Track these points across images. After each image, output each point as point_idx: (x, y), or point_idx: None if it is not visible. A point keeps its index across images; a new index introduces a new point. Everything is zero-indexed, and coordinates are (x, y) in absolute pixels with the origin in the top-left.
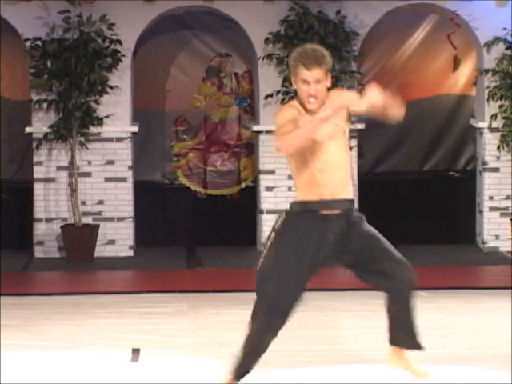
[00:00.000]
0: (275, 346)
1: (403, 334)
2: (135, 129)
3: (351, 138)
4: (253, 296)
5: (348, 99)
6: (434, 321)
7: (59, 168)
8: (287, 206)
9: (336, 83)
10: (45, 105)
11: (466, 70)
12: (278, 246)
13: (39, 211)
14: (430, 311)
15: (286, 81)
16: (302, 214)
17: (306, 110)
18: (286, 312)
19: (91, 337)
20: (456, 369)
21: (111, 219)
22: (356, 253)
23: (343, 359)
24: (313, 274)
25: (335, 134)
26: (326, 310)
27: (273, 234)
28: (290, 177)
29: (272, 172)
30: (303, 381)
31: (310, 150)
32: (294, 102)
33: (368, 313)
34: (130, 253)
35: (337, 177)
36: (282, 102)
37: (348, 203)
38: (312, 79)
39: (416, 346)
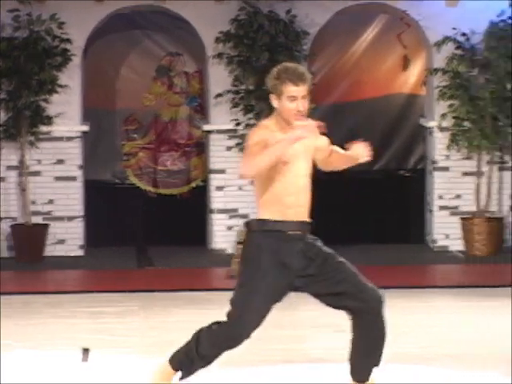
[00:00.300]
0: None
1: (366, 365)
2: (85, 128)
3: None
4: (204, 295)
5: (320, 141)
6: (387, 319)
7: (9, 167)
8: (237, 205)
9: None
10: None
11: (416, 70)
12: (246, 270)
13: None
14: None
15: (237, 80)
16: (267, 233)
17: (279, 128)
18: (247, 335)
19: (42, 337)
20: (409, 368)
21: (61, 219)
22: (319, 276)
23: (291, 359)
24: (281, 297)
25: (305, 155)
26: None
27: (241, 257)
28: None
29: (222, 171)
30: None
31: (279, 171)
32: (267, 122)
33: (322, 312)
34: (81, 252)
35: (301, 199)
36: (233, 101)
37: (308, 226)
38: (300, 94)
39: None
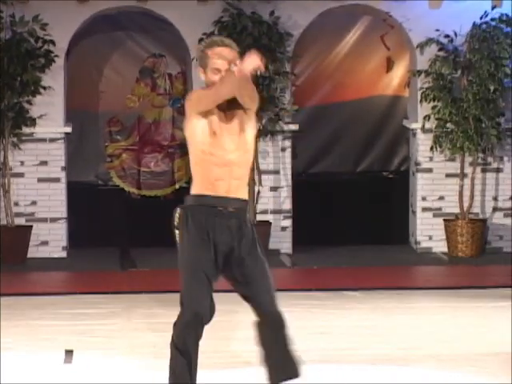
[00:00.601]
0: (209, 347)
1: (279, 367)
2: (68, 129)
3: (285, 138)
4: None
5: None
6: (369, 321)
7: None
8: None
9: (270, 84)
10: None
11: (399, 71)
12: (182, 246)
13: None
14: (365, 311)
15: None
16: (198, 208)
17: None
18: (199, 314)
19: (25, 338)
20: (392, 369)
21: (44, 220)
22: (237, 262)
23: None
24: (216, 275)
25: (236, 127)
26: None
27: (176, 232)
28: None
29: None
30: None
31: (209, 143)
32: None
33: (303, 314)
34: (64, 254)
35: (233, 174)
36: None
37: (242, 203)
38: (224, 68)
39: (294, 374)
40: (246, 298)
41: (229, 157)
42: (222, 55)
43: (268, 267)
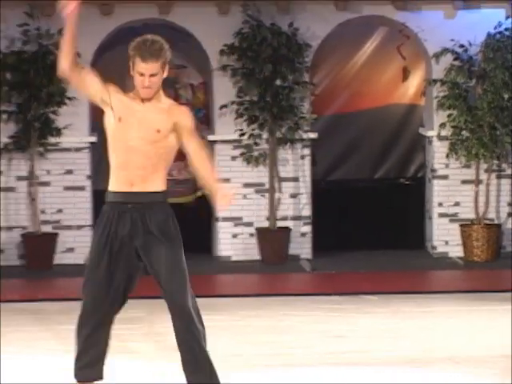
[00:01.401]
0: (229, 350)
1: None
2: (93, 139)
3: (304, 146)
4: (209, 301)
5: (183, 125)
6: (387, 324)
7: (19, 178)
8: (241, 214)
9: (289, 93)
10: (4, 116)
11: (415, 81)
12: (92, 238)
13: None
14: (382, 315)
15: (241, 91)
16: (108, 204)
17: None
18: (93, 315)
19: (52, 343)
20: (409, 370)
21: (70, 227)
22: (142, 252)
23: (297, 362)
24: (119, 270)
25: (147, 120)
26: (281, 314)
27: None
28: (245, 185)
29: (227, 180)
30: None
31: (117, 139)
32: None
33: (323, 317)
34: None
35: (139, 169)
36: (237, 111)
37: (148, 196)
38: (148, 72)
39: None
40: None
41: (133, 152)
42: (144, 72)
43: (180, 261)
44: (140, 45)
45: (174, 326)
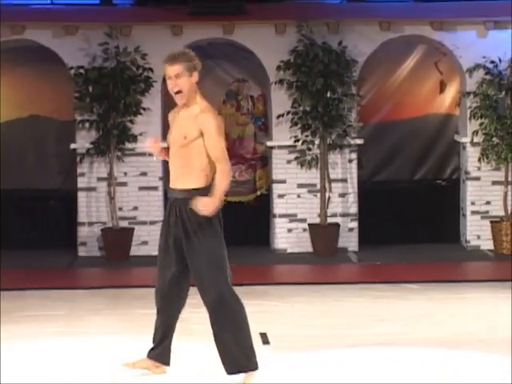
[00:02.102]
0: (284, 332)
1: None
2: (165, 145)
3: (352, 151)
4: (266, 289)
5: (205, 132)
6: (426, 310)
7: (99, 179)
8: (296, 211)
9: (338, 104)
10: (87, 124)
11: (450, 93)
12: None
13: (82, 216)
14: (421, 301)
15: (296, 102)
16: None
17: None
18: (163, 296)
19: (128, 325)
20: (445, 351)
21: (144, 223)
22: (183, 241)
23: (345, 343)
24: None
25: (177, 132)
26: (331, 300)
27: None
28: (299, 185)
29: (283, 181)
30: (315, 362)
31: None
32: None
33: (368, 303)
34: None
35: (178, 168)
36: (292, 120)
37: (186, 192)
38: (172, 73)
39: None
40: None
41: (174, 157)
42: (170, 73)
43: (218, 255)
44: (167, 54)
45: (208, 310)
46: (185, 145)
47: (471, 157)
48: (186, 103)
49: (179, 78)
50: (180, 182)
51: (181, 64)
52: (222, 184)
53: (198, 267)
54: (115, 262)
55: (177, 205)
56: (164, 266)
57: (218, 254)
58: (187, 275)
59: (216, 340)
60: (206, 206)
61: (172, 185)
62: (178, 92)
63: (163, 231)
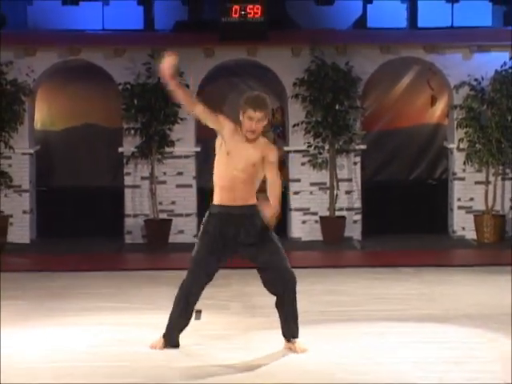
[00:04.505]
0: (299, 308)
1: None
2: (198, 149)
3: (356, 155)
4: None
5: (268, 160)
6: (418, 290)
7: (143, 177)
8: (309, 205)
9: (345, 115)
10: (132, 131)
11: (440, 106)
12: (198, 240)
13: (128, 209)
14: (415, 283)
15: (309, 114)
16: (214, 214)
17: (234, 130)
18: (194, 293)
19: (166, 300)
20: (434, 325)
21: (181, 215)
22: (248, 247)
23: (349, 317)
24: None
25: (246, 154)
26: (338, 281)
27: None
28: (311, 184)
29: (298, 180)
30: (324, 333)
31: (221, 161)
32: (232, 123)
33: (369, 284)
34: (195, 240)
35: (237, 188)
36: (306, 129)
37: (243, 209)
38: (255, 119)
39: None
40: (261, 269)
41: (234, 174)
42: (253, 117)
43: (277, 245)
44: (252, 99)
45: (283, 288)
46: (253, 172)
47: (457, 160)
48: (251, 140)
49: (258, 123)
50: (240, 201)
51: (264, 112)
52: (278, 193)
53: (276, 264)
54: (156, 248)
55: (238, 218)
56: (208, 268)
57: (279, 249)
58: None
59: (283, 312)
60: (272, 212)
61: (230, 203)
62: (253, 132)
63: (209, 240)
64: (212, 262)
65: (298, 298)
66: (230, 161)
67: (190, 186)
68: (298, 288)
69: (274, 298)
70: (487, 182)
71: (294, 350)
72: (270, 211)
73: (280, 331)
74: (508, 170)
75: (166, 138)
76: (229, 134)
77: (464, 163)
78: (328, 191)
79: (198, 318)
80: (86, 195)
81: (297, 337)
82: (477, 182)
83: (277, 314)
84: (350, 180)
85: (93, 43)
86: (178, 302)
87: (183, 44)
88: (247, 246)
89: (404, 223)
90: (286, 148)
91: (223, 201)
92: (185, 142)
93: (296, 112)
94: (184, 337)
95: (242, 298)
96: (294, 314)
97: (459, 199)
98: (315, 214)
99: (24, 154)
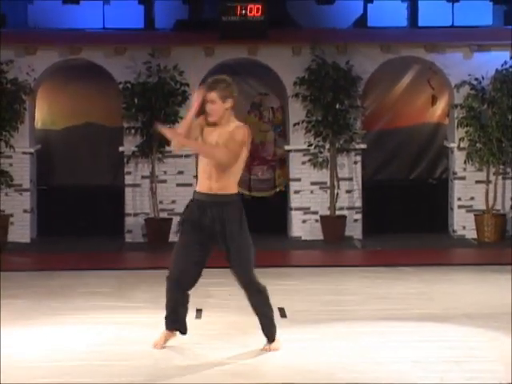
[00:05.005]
0: (299, 307)
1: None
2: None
3: (357, 154)
4: (284, 270)
5: (232, 137)
6: (418, 289)
7: (143, 177)
8: (309, 205)
9: (346, 115)
10: (133, 131)
11: (441, 105)
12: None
13: (129, 208)
14: (415, 282)
15: (309, 113)
16: (192, 201)
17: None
18: (181, 280)
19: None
20: (434, 324)
21: (181, 214)
22: (221, 236)
23: (350, 316)
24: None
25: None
26: (338, 280)
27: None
28: (311, 183)
29: (299, 180)
30: (324, 333)
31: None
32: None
33: (370, 283)
34: None
35: (213, 176)
36: (306, 128)
37: (218, 197)
38: (209, 99)
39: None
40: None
41: (211, 163)
42: (207, 99)
43: (246, 244)
44: (207, 81)
45: (246, 293)
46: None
47: (458, 160)
48: (221, 123)
49: (213, 104)
50: (215, 187)
51: (216, 92)
52: (211, 149)
53: (236, 256)
54: (156, 247)
55: (213, 206)
56: (189, 253)
57: (249, 248)
58: (207, 260)
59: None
60: (172, 134)
61: (207, 190)
62: (210, 114)
63: (190, 228)
64: (193, 248)
65: (297, 298)
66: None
67: (190, 185)
68: (299, 287)
69: (276, 296)
70: (488, 182)
71: (267, 348)
72: (171, 132)
73: (281, 330)
74: (509, 169)
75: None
76: (201, 126)
77: (464, 162)
78: (328, 190)
79: (198, 316)
80: (87, 194)
81: (270, 338)
82: (477, 182)
83: (277, 313)
84: (350, 179)
85: (93, 42)
86: (169, 294)
87: (183, 43)
88: (221, 236)
89: (404, 222)
90: (286, 147)
91: (201, 188)
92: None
93: (296, 111)
94: (183, 336)
95: (243, 297)
96: (264, 316)
97: (459, 198)
98: (316, 213)
99: (24, 153)
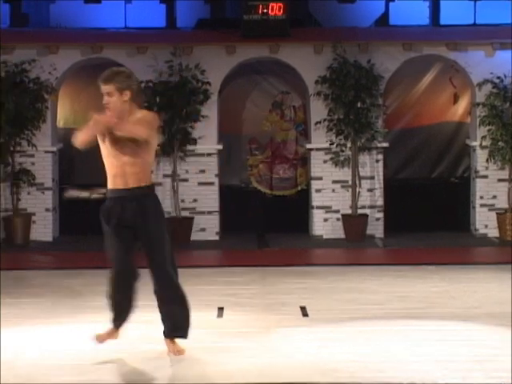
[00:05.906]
0: (321, 306)
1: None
2: (220, 147)
3: (378, 153)
4: (306, 269)
5: (141, 119)
6: (440, 287)
7: (165, 175)
8: (331, 203)
9: (367, 113)
10: None
11: (463, 103)
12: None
13: None
14: (437, 281)
15: (331, 111)
16: (107, 199)
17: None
18: (120, 273)
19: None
20: (457, 323)
21: (203, 213)
22: (136, 229)
23: (372, 315)
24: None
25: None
26: (360, 279)
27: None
28: (333, 182)
29: (320, 178)
30: (346, 331)
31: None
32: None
33: (392, 282)
34: (217, 237)
35: (126, 171)
36: (328, 126)
37: (132, 191)
38: (104, 91)
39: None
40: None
41: (122, 158)
42: (102, 91)
43: (162, 236)
44: (103, 73)
45: (156, 286)
46: (130, 151)
47: (480, 158)
48: (124, 117)
49: (110, 97)
50: (131, 181)
51: (112, 85)
52: (131, 127)
53: (150, 249)
54: (177, 245)
55: (133, 200)
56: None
57: (164, 241)
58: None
59: (161, 310)
60: (106, 120)
61: (117, 185)
62: (107, 107)
63: (116, 224)
64: (126, 242)
65: (319, 296)
66: (107, 146)
67: (212, 183)
68: (320, 286)
69: (297, 295)
70: (510, 180)
71: (170, 349)
72: (105, 118)
73: (302, 329)
74: None
75: (188, 135)
76: (108, 129)
77: (487, 161)
78: (350, 189)
79: (219, 315)
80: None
81: (178, 337)
82: (500, 180)
83: (298, 312)
84: (372, 178)
85: (115, 41)
86: (117, 291)
87: (205, 42)
88: (142, 228)
89: (426, 221)
90: (308, 146)
91: (116, 185)
92: (207, 140)
93: (318, 110)
94: (204, 334)
95: (264, 295)
96: (175, 313)
97: (482, 197)
98: (337, 211)
99: (47, 151)
